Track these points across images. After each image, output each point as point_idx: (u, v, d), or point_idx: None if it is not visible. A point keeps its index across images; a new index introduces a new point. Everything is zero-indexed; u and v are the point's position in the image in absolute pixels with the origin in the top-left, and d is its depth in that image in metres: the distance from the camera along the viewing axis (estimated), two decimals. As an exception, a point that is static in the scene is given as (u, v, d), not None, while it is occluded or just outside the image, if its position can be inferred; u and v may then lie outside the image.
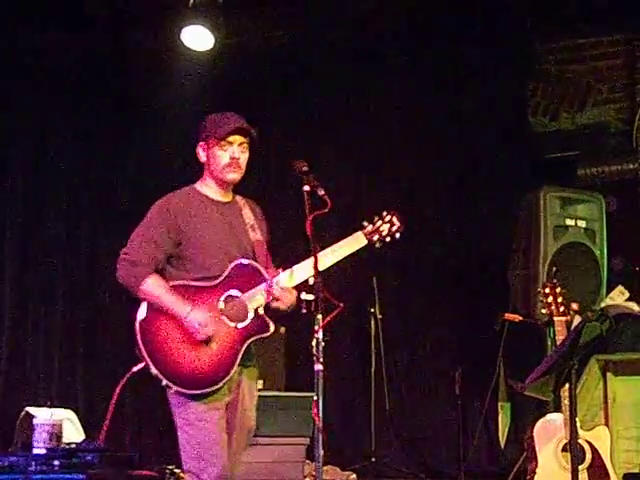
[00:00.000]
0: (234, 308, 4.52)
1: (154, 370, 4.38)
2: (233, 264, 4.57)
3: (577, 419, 4.69)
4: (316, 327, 4.24)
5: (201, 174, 4.75)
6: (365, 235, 4.71)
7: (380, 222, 4.75)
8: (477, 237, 7.85)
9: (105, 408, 7.61)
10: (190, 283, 4.52)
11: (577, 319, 5.77)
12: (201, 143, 4.69)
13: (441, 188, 8.06)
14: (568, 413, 4.80)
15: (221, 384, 4.43)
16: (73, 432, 5.40)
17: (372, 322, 7.65)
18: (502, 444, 7.53)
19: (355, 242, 4.69)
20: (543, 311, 5.82)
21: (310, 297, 4.51)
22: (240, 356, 4.48)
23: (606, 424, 6.46)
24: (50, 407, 5.24)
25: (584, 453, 5.52)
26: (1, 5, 7.32)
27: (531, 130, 8.14)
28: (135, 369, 4.48)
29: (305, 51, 8.09)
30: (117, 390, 4.58)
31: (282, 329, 7.24)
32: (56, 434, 4.53)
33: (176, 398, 4.45)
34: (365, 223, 4.73)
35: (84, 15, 7.61)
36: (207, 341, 4.42)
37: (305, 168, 4.57)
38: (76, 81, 7.95)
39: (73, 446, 4.46)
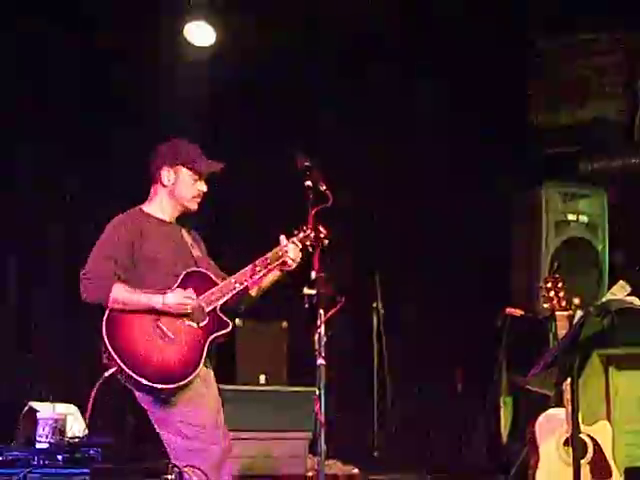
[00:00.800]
0: (193, 310, 4.68)
1: (126, 372, 4.52)
2: (185, 272, 4.76)
3: (579, 413, 4.70)
4: (318, 322, 4.27)
5: (148, 194, 4.94)
6: (300, 241, 4.88)
7: (309, 231, 4.87)
8: (478, 232, 7.86)
9: (109, 404, 7.67)
10: (150, 292, 4.67)
11: (579, 314, 5.78)
12: (167, 167, 4.85)
13: (441, 183, 8.06)
14: (570, 407, 4.81)
15: (190, 378, 4.57)
16: (76, 427, 5.40)
17: (374, 317, 7.66)
18: (504, 439, 7.53)
19: (293, 250, 4.85)
20: (545, 306, 5.83)
21: (312, 292, 4.55)
22: (205, 352, 4.64)
23: (608, 418, 6.46)
24: (53, 402, 5.24)
25: (586, 447, 5.54)
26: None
27: (532, 125, 8.13)
28: (107, 374, 4.64)
29: (306, 48, 8.08)
30: (92, 396, 4.69)
31: (284, 324, 7.27)
32: (59, 428, 4.53)
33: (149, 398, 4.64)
34: (295, 231, 4.91)
35: (84, 10, 7.59)
36: (174, 338, 4.60)
37: (307, 164, 4.63)
38: (75, 75, 7.92)
39: (77, 440, 4.47)
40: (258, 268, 4.81)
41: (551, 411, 5.70)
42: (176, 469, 4.35)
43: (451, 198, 8.02)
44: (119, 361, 4.51)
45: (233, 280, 4.76)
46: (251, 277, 4.79)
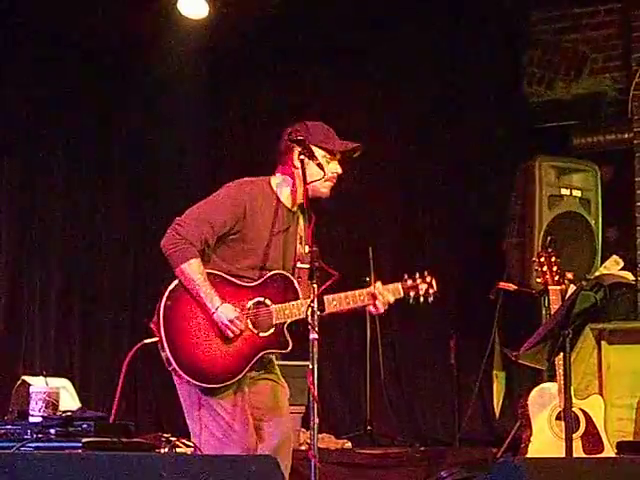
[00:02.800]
0: (261, 315, 4.49)
1: (166, 352, 4.35)
2: (273, 272, 4.53)
3: (571, 388, 4.71)
4: (311, 296, 4.26)
5: (275, 170, 4.67)
6: (403, 288, 4.71)
7: (420, 280, 4.75)
8: (472, 206, 7.86)
9: (102, 378, 7.69)
10: (225, 276, 4.48)
11: (572, 288, 5.79)
12: (299, 149, 4.55)
13: (436, 157, 8.05)
14: (562, 382, 4.82)
15: (228, 383, 4.41)
16: (69, 401, 5.41)
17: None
18: (497, 413, 7.56)
19: (391, 292, 4.68)
20: (538, 280, 5.84)
21: (305, 266, 4.53)
22: (252, 363, 4.45)
23: (600, 393, 6.49)
24: (46, 376, 5.24)
25: (578, 421, 5.56)
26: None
27: (526, 99, 8.11)
28: (147, 341, 4.47)
29: (302, 19, 8.04)
30: (125, 364, 4.53)
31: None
32: (52, 402, 4.52)
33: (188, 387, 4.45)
34: (406, 277, 4.73)
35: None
36: (227, 339, 4.40)
37: (300, 137, 4.57)
38: (68, 49, 7.88)
39: (69, 414, 4.47)
40: (335, 303, 4.55)
41: (544, 385, 5.72)
42: (169, 443, 4.35)
43: (445, 173, 8.02)
44: (164, 340, 4.35)
45: (309, 304, 4.29)
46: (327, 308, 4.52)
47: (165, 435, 5.92)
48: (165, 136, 8.08)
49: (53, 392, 4.59)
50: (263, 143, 7.73)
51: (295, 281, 4.57)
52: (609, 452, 5.59)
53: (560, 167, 7.14)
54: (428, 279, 4.77)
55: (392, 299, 4.69)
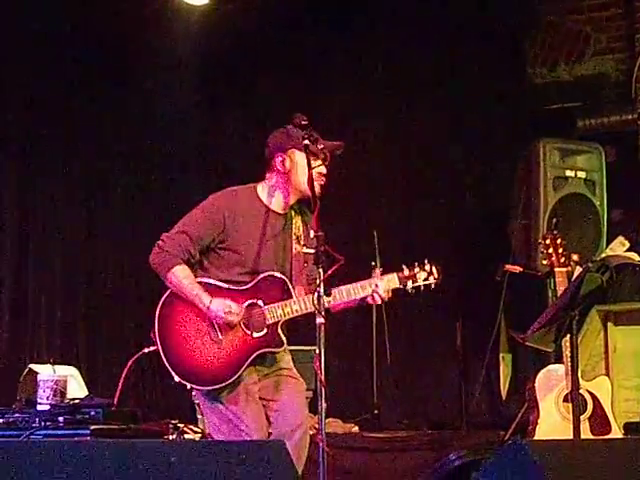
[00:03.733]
0: (253, 316, 4.60)
1: (164, 361, 4.53)
2: (265, 274, 4.64)
3: (578, 369, 4.71)
4: (317, 281, 4.26)
5: (263, 177, 4.77)
6: (399, 278, 4.73)
7: (418, 269, 4.76)
8: (477, 188, 7.85)
9: (107, 367, 7.70)
10: (217, 283, 4.62)
11: (578, 270, 5.78)
12: (281, 153, 4.70)
13: (439, 141, 8.03)
14: (569, 364, 4.82)
15: (225, 384, 4.53)
16: (76, 388, 5.42)
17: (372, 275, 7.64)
18: (503, 395, 7.56)
19: (387, 282, 4.71)
20: (544, 262, 5.83)
21: (311, 251, 4.54)
22: (247, 363, 4.55)
23: (607, 374, 6.49)
24: (53, 364, 5.26)
25: (585, 403, 5.56)
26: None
27: (530, 81, 8.09)
28: (146, 350, 4.75)
29: (304, 4, 8.02)
30: (127, 367, 4.82)
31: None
32: (60, 390, 4.54)
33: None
34: (404, 267, 4.76)
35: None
36: (222, 341, 4.53)
37: (304, 122, 4.58)
38: (67, 36, 7.85)
39: (77, 402, 4.48)
40: (341, 295, 4.65)
41: (550, 367, 5.72)
42: (177, 429, 4.37)
43: (449, 154, 8.00)
44: (159, 346, 4.54)
45: (303, 302, 4.58)
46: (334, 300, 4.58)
47: (173, 422, 5.94)
48: (163, 122, 8.06)
49: (61, 380, 4.61)
50: (262, 139, 7.84)
51: (288, 281, 4.66)
52: (616, 433, 5.60)
53: (564, 149, 7.13)
54: (427, 267, 4.78)
55: (387, 289, 4.70)
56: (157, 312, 4.58)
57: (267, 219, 4.68)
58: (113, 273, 8.19)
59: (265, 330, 4.59)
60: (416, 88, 8.01)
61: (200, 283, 4.59)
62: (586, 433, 5.40)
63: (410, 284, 4.74)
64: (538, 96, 8.00)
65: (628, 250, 7.18)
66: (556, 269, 5.64)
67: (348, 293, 4.66)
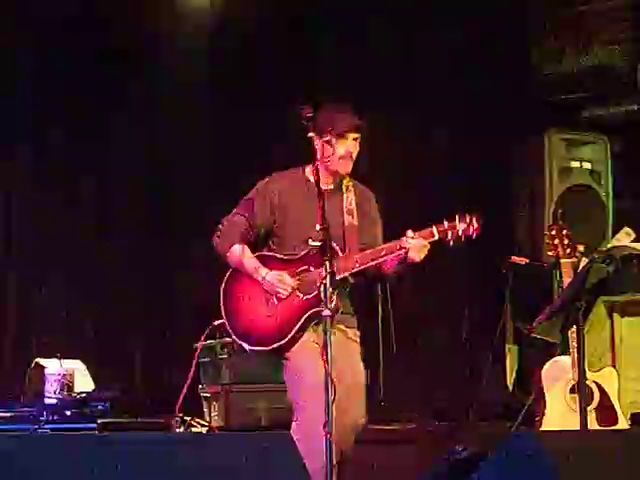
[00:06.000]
0: (305, 281, 4.76)
1: (228, 329, 4.84)
2: (316, 243, 4.73)
3: (585, 360, 4.71)
4: (323, 273, 4.28)
5: (309, 159, 4.87)
6: (438, 231, 4.79)
7: (457, 220, 4.81)
8: (482, 179, 7.83)
9: (114, 359, 7.71)
10: (275, 255, 4.87)
11: (583, 261, 5.78)
12: (316, 136, 4.82)
13: (445, 132, 8.02)
14: (576, 355, 4.82)
15: (282, 343, 4.71)
16: (83, 382, 5.43)
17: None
18: (510, 386, 7.56)
19: (423, 236, 4.77)
20: (549, 253, 5.82)
21: (317, 243, 4.56)
22: (301, 322, 4.71)
23: (613, 365, 6.49)
24: (60, 358, 5.26)
25: (592, 394, 5.55)
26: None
27: (536, 72, 8.08)
28: (215, 323, 5.05)
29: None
30: (200, 343, 5.32)
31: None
32: (67, 384, 4.57)
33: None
34: (442, 220, 4.82)
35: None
36: (278, 306, 4.77)
37: (309, 114, 4.60)
38: (71, 29, 7.84)
39: (84, 395, 4.50)
40: (371, 258, 4.76)
41: (557, 358, 5.72)
42: (184, 423, 4.38)
43: (456, 145, 7.99)
44: (224, 315, 4.81)
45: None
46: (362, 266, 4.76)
47: (180, 415, 5.95)
48: (165, 116, 8.05)
49: (68, 374, 4.63)
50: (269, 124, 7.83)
51: (336, 248, 4.74)
52: (623, 424, 5.59)
53: (570, 139, 7.14)
54: (467, 219, 4.83)
55: (422, 245, 4.75)
56: (222, 288, 4.87)
57: (317, 196, 4.69)
58: (121, 262, 8.18)
59: (315, 292, 4.66)
60: (419, 77, 8.00)
61: (258, 257, 4.86)
62: (593, 424, 5.39)
63: (450, 235, 4.78)
64: (544, 87, 7.99)
65: (634, 241, 7.18)
66: (562, 260, 5.63)
67: (374, 255, 4.75)
